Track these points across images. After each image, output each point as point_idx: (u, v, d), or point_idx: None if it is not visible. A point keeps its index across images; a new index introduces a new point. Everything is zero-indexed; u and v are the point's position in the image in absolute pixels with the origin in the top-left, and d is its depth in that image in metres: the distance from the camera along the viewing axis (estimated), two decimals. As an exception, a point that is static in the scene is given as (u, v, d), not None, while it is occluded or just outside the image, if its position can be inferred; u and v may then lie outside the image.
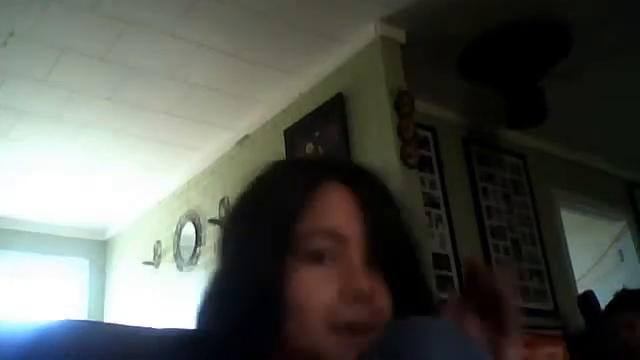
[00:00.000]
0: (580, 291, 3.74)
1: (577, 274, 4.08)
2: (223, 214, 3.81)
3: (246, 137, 3.77)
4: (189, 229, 4.18)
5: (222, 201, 3.83)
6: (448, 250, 3.28)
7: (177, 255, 4.25)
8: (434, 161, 3.46)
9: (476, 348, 0.54)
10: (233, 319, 0.62)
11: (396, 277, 0.65)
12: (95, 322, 0.70)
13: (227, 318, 0.62)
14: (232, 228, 0.70)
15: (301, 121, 3.31)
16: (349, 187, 0.67)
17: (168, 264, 4.36)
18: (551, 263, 3.82)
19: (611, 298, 2.87)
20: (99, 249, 5.26)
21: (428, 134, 3.49)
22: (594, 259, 4.64)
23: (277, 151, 3.40)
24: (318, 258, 0.63)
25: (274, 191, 0.67)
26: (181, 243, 4.25)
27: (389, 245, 0.65)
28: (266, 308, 0.60)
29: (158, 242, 4.51)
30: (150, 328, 0.65)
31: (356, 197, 0.66)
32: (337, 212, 0.65)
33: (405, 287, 0.65)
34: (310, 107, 3.27)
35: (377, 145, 2.84)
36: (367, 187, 0.68)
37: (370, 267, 0.64)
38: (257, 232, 0.65)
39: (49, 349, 0.56)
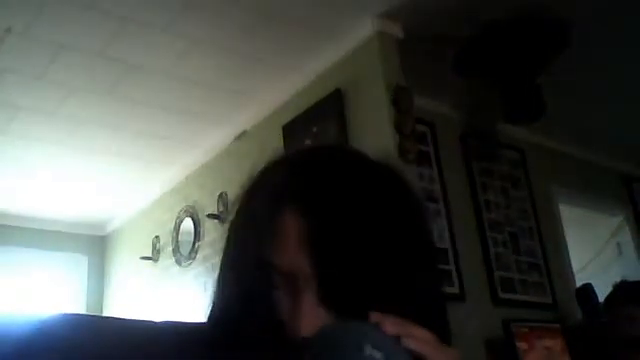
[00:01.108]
0: (578, 284, 3.76)
1: (575, 267, 4.08)
2: (221, 209, 3.82)
3: (244, 132, 3.77)
4: (188, 224, 4.19)
5: (220, 196, 3.83)
6: (447, 244, 3.29)
7: (176, 250, 4.25)
8: (432, 156, 3.47)
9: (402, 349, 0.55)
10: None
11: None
12: (93, 315, 0.71)
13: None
14: (227, 236, 0.72)
15: (299, 116, 3.31)
16: (305, 218, 0.60)
17: (167, 259, 4.37)
18: (549, 257, 3.83)
19: (610, 290, 2.86)
20: (98, 244, 5.26)
21: (426, 129, 3.49)
22: (592, 253, 4.65)
23: (275, 147, 3.40)
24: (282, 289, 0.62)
25: (248, 215, 0.68)
26: (180, 238, 4.26)
27: (347, 283, 0.59)
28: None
29: (157, 237, 4.52)
30: (148, 321, 0.66)
31: (310, 230, 0.60)
32: (286, 249, 0.60)
33: None
34: (308, 102, 3.27)
35: (375, 140, 2.84)
36: (327, 216, 0.60)
37: (327, 304, 0.59)
38: (236, 252, 0.67)
39: (47, 342, 0.56)
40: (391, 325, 0.54)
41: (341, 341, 0.53)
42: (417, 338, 0.54)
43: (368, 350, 0.51)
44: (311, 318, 0.58)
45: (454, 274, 3.23)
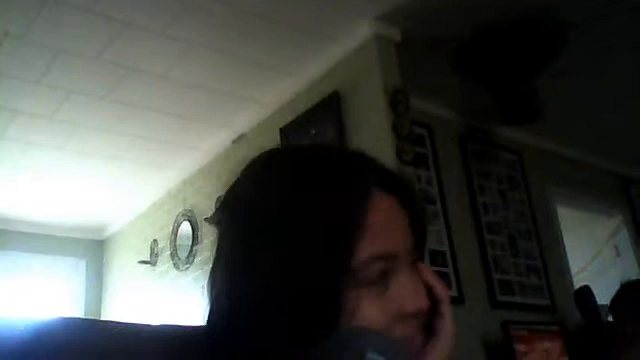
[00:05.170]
0: (576, 286, 3.76)
1: (573, 270, 4.09)
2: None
3: (242, 136, 3.77)
4: (185, 228, 4.18)
5: (218, 200, 3.82)
6: (445, 246, 3.29)
7: (174, 254, 4.25)
8: (430, 158, 3.47)
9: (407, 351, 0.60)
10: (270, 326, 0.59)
11: None
12: (91, 319, 0.71)
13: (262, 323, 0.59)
14: (265, 233, 0.61)
15: (297, 119, 3.31)
16: (392, 194, 0.64)
17: (165, 263, 4.36)
18: (547, 259, 3.84)
19: (617, 289, 2.84)
20: (96, 249, 5.26)
21: (424, 131, 3.49)
22: (590, 255, 4.66)
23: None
24: (373, 282, 0.60)
25: (319, 200, 0.60)
26: (178, 242, 4.25)
27: (422, 245, 0.69)
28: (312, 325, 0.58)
29: (155, 241, 4.51)
30: (147, 325, 0.66)
31: (401, 206, 0.64)
32: (392, 229, 0.62)
33: None
34: (306, 105, 3.27)
35: (373, 142, 2.84)
36: (406, 192, 0.66)
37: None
38: (308, 247, 0.59)
39: (45, 346, 0.56)
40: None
41: (346, 344, 0.55)
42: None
43: (370, 354, 0.54)
44: (424, 296, 0.63)
45: (452, 276, 3.23)
